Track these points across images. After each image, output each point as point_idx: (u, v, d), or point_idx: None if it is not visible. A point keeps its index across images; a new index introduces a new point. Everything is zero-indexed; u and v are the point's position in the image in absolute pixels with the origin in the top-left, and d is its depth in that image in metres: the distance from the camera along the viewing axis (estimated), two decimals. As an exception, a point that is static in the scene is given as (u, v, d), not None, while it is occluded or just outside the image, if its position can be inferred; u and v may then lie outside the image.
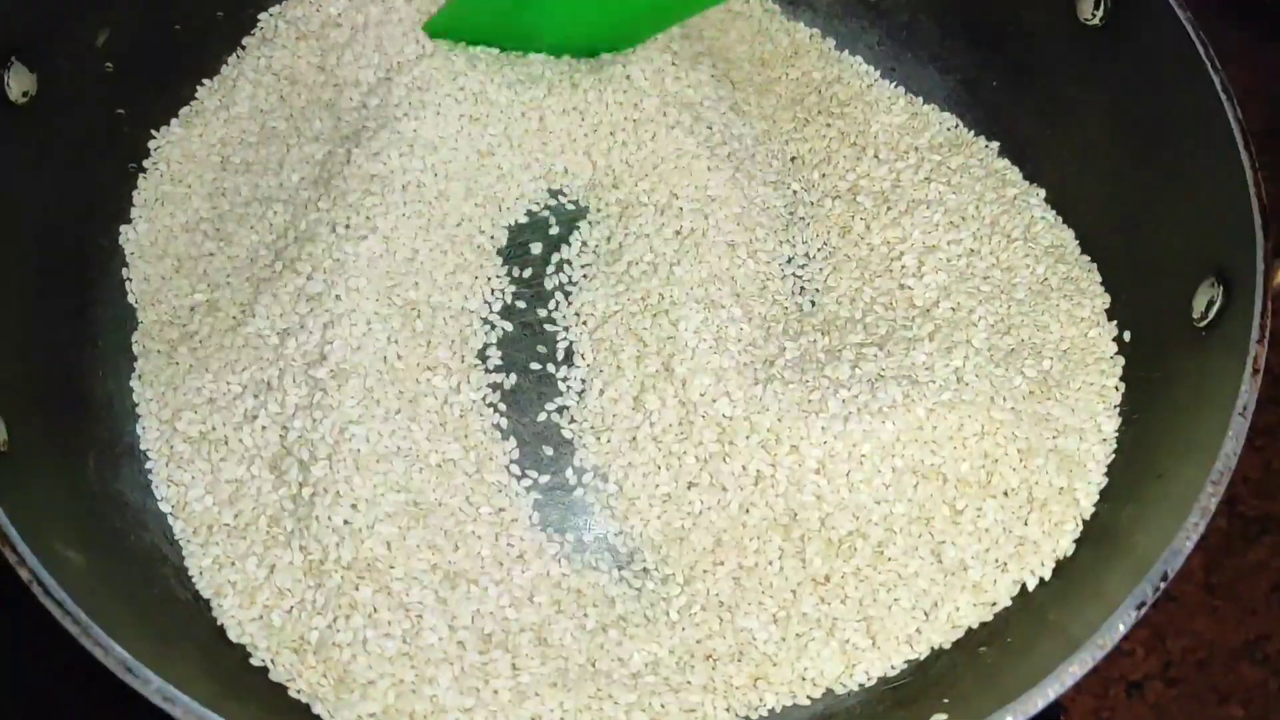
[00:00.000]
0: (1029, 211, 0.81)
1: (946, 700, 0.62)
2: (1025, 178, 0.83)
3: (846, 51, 0.90)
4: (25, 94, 0.69)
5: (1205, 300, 0.66)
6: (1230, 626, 0.85)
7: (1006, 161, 0.84)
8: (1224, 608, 0.86)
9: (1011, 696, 0.55)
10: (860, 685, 0.66)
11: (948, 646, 0.67)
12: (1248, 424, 0.59)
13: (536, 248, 0.81)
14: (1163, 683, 0.84)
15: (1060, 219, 0.81)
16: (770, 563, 0.68)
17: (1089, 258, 0.79)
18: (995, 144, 0.85)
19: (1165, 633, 0.85)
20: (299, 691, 0.63)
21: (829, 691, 0.66)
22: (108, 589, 0.60)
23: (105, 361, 0.74)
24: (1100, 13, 0.75)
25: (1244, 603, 0.86)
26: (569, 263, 0.81)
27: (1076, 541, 0.68)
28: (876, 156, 0.84)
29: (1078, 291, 0.77)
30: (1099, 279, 0.77)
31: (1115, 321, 0.75)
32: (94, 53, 0.75)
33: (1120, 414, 0.72)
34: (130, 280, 0.77)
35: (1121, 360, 0.74)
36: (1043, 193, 0.82)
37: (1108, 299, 0.76)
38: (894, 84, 0.88)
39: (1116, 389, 0.73)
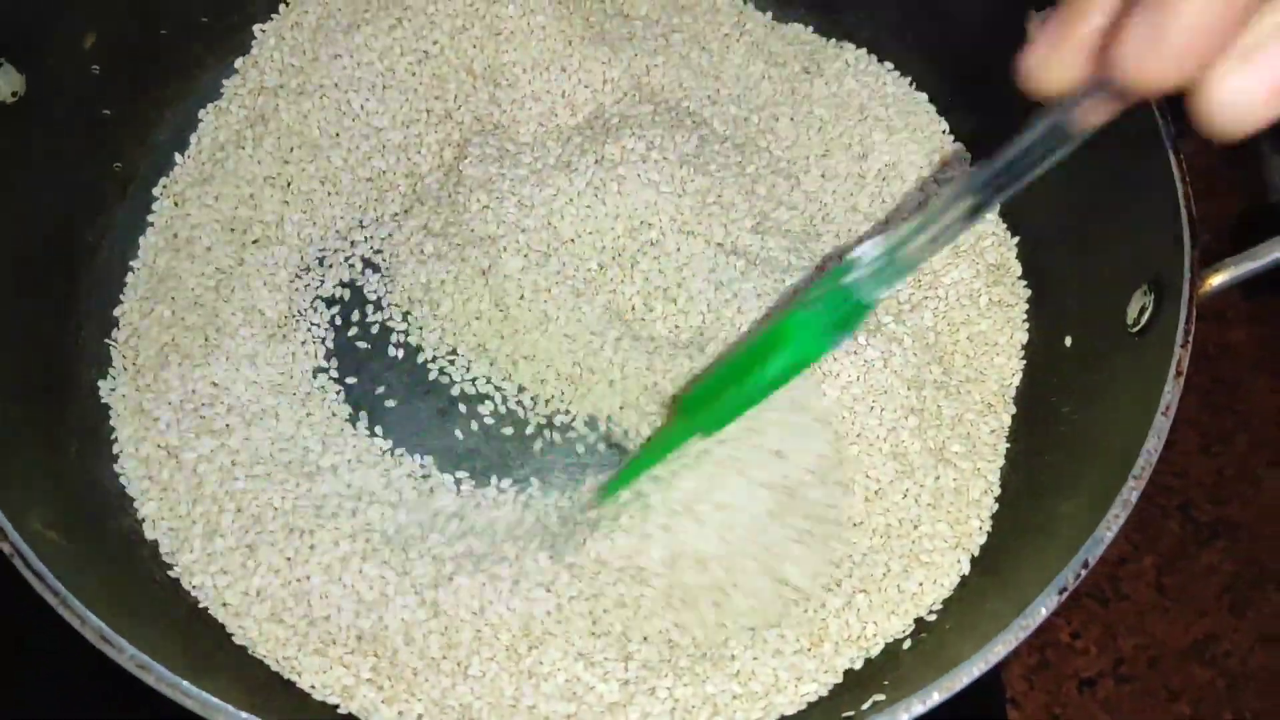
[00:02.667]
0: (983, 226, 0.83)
1: (887, 682, 0.64)
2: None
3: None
4: (14, 94, 0.71)
5: (1139, 307, 0.69)
6: (1181, 627, 0.87)
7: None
8: (1175, 609, 0.88)
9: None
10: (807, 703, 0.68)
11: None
12: (1169, 423, 0.61)
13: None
14: (1114, 680, 0.86)
15: (1009, 233, 0.83)
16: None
17: (1025, 283, 0.81)
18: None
19: (1117, 631, 0.87)
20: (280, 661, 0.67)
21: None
22: (86, 568, 0.62)
23: (88, 351, 0.76)
24: (1048, 31, 0.78)
25: (1195, 604, 0.88)
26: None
27: (997, 534, 0.72)
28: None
29: (1004, 318, 0.80)
30: (1025, 310, 0.80)
31: (1050, 327, 0.78)
32: (81, 55, 0.77)
33: (1011, 442, 0.77)
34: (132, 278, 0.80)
35: (1013, 394, 0.78)
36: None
37: (1025, 336, 0.79)
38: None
39: (1009, 421, 0.77)
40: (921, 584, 0.70)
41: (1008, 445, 0.77)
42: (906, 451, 0.73)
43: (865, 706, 0.62)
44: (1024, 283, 0.81)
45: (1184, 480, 0.93)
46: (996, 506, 0.74)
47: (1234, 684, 0.86)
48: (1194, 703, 0.86)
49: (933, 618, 0.70)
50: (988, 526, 0.73)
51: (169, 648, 0.59)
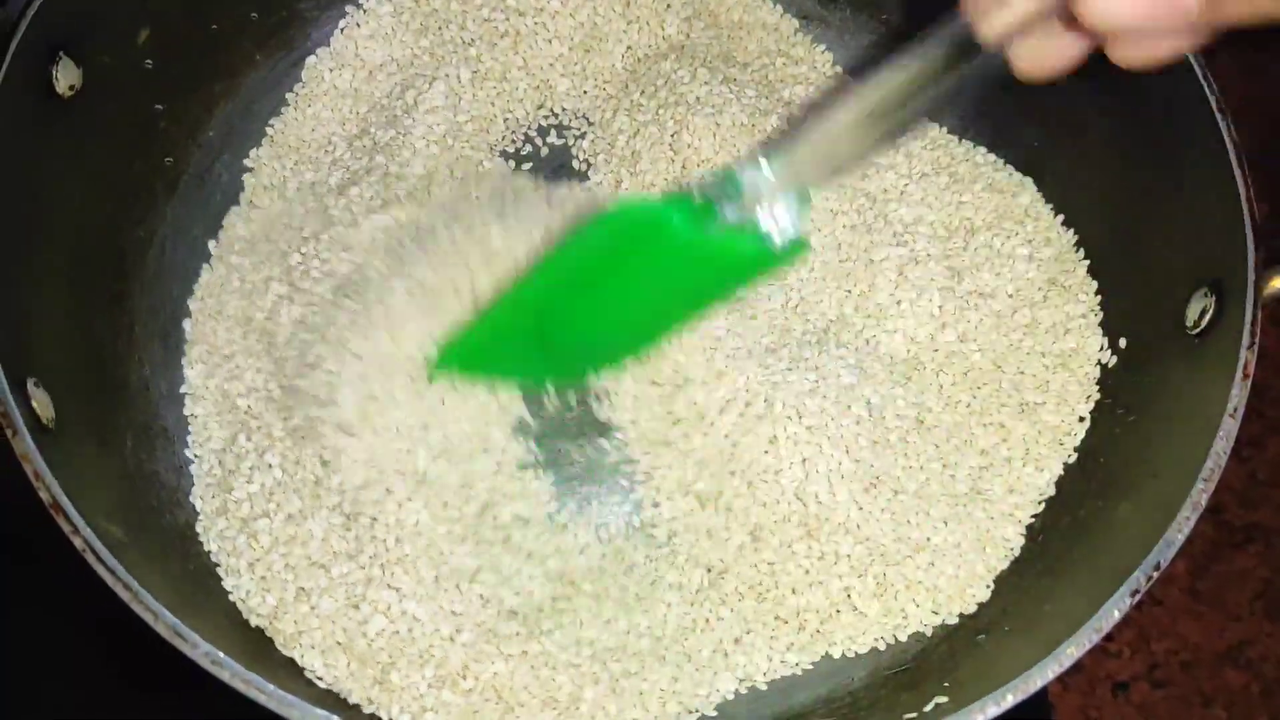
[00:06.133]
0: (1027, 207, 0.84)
1: (947, 684, 0.64)
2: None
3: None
4: (71, 88, 0.71)
5: (1199, 309, 0.68)
6: (1214, 631, 0.88)
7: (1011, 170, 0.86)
8: (1208, 613, 0.88)
9: (1008, 679, 0.57)
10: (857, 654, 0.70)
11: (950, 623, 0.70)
12: (1238, 425, 0.61)
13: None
14: (1149, 684, 0.86)
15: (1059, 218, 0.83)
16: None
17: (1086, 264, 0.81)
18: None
19: (1150, 635, 0.87)
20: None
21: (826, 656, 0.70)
22: (145, 561, 0.62)
23: (140, 347, 0.76)
24: (1103, 35, 0.78)
25: (1228, 609, 0.88)
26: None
27: (1054, 536, 0.72)
28: None
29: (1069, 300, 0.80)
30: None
31: (1104, 329, 0.78)
32: (136, 50, 0.77)
33: (1097, 421, 0.76)
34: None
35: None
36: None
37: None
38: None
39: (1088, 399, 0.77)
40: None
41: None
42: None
43: (928, 709, 0.62)
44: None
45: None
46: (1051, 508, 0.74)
47: (1268, 689, 0.86)
48: (1228, 707, 0.86)
49: (985, 620, 0.70)
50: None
51: (226, 643, 0.59)
